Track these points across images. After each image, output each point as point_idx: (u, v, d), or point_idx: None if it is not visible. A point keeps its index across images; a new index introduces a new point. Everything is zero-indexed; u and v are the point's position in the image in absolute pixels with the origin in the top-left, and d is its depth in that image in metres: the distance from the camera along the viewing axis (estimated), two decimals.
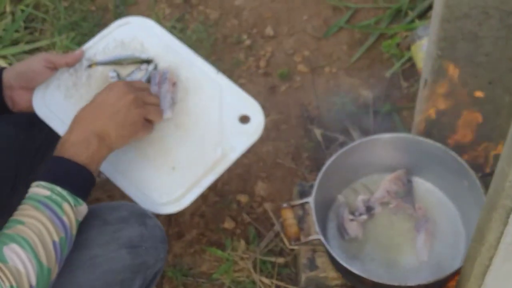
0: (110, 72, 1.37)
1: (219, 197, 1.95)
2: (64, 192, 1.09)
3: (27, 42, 2.31)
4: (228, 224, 1.89)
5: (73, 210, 1.09)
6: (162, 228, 1.29)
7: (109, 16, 2.38)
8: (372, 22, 2.25)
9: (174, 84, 1.35)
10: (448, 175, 1.57)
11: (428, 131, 1.60)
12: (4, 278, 0.96)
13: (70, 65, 1.39)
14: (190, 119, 1.32)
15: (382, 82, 2.13)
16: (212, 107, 1.33)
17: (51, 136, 1.38)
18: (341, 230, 1.58)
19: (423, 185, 1.65)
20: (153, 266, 1.26)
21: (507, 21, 1.27)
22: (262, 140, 2.05)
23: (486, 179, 1.50)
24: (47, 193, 1.08)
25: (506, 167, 0.94)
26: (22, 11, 2.36)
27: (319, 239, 1.47)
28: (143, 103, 1.24)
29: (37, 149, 1.44)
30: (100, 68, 1.39)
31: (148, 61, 1.39)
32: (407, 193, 1.62)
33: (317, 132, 2.03)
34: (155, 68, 1.38)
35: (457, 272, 1.38)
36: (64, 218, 1.07)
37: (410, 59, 2.12)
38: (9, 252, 0.99)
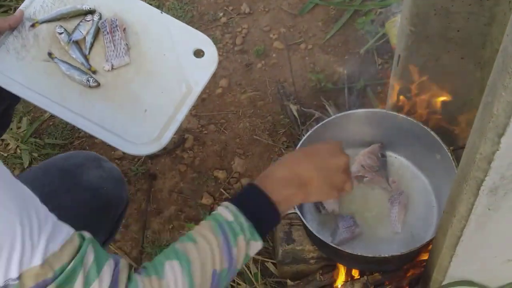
0: (56, 28, 1.36)
1: (196, 173, 1.96)
2: (246, 225, 1.04)
3: None
4: (206, 200, 1.90)
5: (246, 244, 1.04)
6: (119, 170, 1.33)
7: None
8: None
9: (124, 30, 1.37)
10: (421, 149, 1.60)
11: (402, 106, 1.62)
12: None
13: (12, 27, 1.35)
14: (148, 62, 1.36)
15: (357, 58, 2.15)
16: (165, 47, 1.37)
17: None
18: (318, 205, 1.60)
19: (396, 160, 1.68)
20: (116, 206, 1.30)
21: None
22: (238, 117, 2.07)
23: (457, 152, 1.53)
24: (231, 218, 1.03)
25: (477, 140, 0.96)
26: None
27: (295, 213, 1.49)
28: (348, 169, 1.21)
29: None
30: (44, 26, 1.38)
31: (91, 12, 1.39)
32: (381, 167, 1.64)
33: (293, 108, 2.04)
34: (100, 17, 1.38)
35: (429, 243, 1.42)
36: (234, 250, 1.02)
37: (384, 35, 2.14)
38: (168, 267, 0.97)
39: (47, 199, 1.10)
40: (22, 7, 1.40)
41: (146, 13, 1.41)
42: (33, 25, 1.38)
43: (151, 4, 2.25)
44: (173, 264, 0.97)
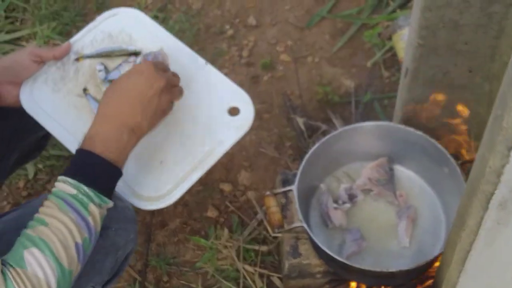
0: (97, 65, 1.36)
1: (202, 186, 1.95)
2: (91, 193, 1.06)
3: (8, 32, 2.29)
4: (212, 213, 1.89)
5: (99, 209, 1.08)
6: (132, 209, 1.29)
7: (91, 5, 2.37)
8: (354, 12, 2.26)
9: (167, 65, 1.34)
10: (428, 163, 1.59)
11: (409, 120, 1.62)
12: (22, 285, 0.95)
13: (57, 58, 1.37)
14: (179, 112, 1.30)
15: (364, 71, 2.14)
16: (201, 100, 1.32)
17: (21, 126, 1.37)
18: (325, 219, 1.59)
19: (404, 173, 1.67)
20: (124, 247, 1.27)
21: (488, 9, 1.28)
22: None
23: (466, 166, 1.52)
24: (73, 191, 1.05)
25: (486, 153, 0.95)
26: (3, 0, 2.34)
27: (302, 227, 1.48)
28: (170, 87, 1.23)
29: (8, 139, 1.41)
30: (87, 62, 1.38)
31: (136, 53, 1.38)
32: (389, 180, 1.63)
33: (300, 121, 2.03)
34: None
35: (437, 258, 1.40)
36: (89, 219, 1.06)
37: (391, 48, 2.13)
38: (29, 257, 0.98)
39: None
40: (71, 40, 1.41)
41: (190, 62, 1.36)
42: (77, 59, 1.38)
43: (157, 17, 2.28)
44: (33, 251, 0.98)
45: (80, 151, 1.11)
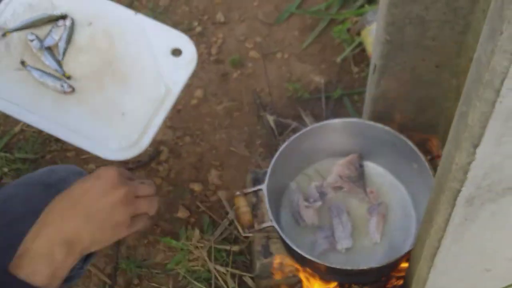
0: (28, 36, 1.34)
1: (172, 186, 1.93)
2: None
3: None
4: (182, 214, 1.87)
5: None
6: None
7: None
8: (322, 8, 2.26)
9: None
10: (398, 159, 1.58)
11: (379, 115, 1.61)
12: None
13: None
14: (124, 64, 1.33)
15: (334, 67, 2.14)
16: (142, 48, 1.34)
17: None
18: (297, 217, 1.58)
19: (374, 169, 1.66)
20: None
21: (453, 4, 1.28)
22: (214, 128, 2.04)
23: (435, 162, 1.52)
24: None
25: (452, 149, 0.95)
26: None
27: (272, 226, 1.46)
28: (133, 198, 1.02)
29: None
30: (15, 35, 1.35)
31: (63, 17, 1.36)
32: (359, 177, 1.63)
33: (270, 118, 2.02)
34: (73, 22, 1.35)
35: (408, 254, 1.40)
36: None
37: (361, 44, 2.13)
38: None
39: (30, 215, 1.03)
40: None
41: (120, 15, 1.38)
42: (4, 35, 1.35)
43: None
44: None
45: (3, 273, 0.92)
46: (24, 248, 0.94)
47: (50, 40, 1.34)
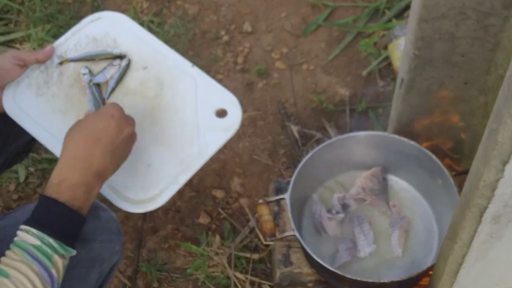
0: (81, 69, 1.35)
1: (194, 192, 1.94)
2: (55, 244, 1.03)
3: (2, 34, 2.28)
4: (203, 219, 1.88)
5: (62, 259, 1.05)
6: (117, 220, 1.27)
7: (86, 8, 2.36)
8: (350, 21, 2.26)
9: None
10: (422, 174, 1.58)
11: (404, 130, 1.61)
12: None
13: (40, 62, 1.35)
14: (166, 114, 1.30)
15: (359, 80, 2.14)
16: (188, 102, 1.31)
17: (7, 131, 1.35)
18: (319, 228, 1.59)
19: (397, 183, 1.67)
20: (109, 260, 1.25)
21: (484, 22, 1.28)
22: (238, 136, 2.06)
23: (460, 178, 1.52)
24: (37, 242, 1.02)
25: (480, 166, 0.95)
26: None
27: (294, 235, 1.47)
28: (134, 131, 1.20)
29: None
30: (71, 65, 1.37)
31: (121, 57, 1.37)
32: (382, 190, 1.63)
33: (294, 129, 2.03)
34: (129, 64, 1.36)
35: (430, 269, 1.40)
36: (53, 271, 1.03)
37: (387, 58, 2.13)
38: None
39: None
40: (55, 43, 1.40)
41: (177, 65, 1.35)
42: (61, 63, 1.37)
43: (152, 22, 2.27)
44: None
45: (44, 198, 1.06)
46: (61, 177, 1.07)
47: (101, 77, 1.34)
